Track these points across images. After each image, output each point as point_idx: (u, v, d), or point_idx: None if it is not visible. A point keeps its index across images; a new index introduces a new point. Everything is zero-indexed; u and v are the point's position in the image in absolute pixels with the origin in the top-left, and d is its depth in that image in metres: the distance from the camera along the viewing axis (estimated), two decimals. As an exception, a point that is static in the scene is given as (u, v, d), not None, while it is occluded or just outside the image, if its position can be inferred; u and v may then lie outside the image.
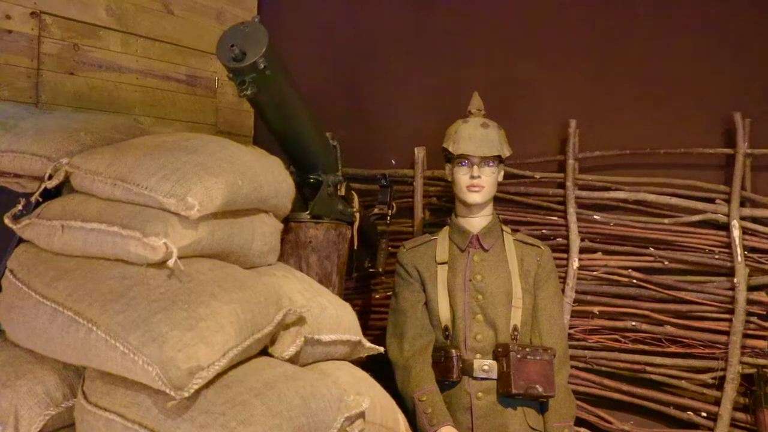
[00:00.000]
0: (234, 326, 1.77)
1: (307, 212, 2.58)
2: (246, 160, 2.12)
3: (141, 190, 1.87)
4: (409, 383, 2.61)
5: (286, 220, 2.45)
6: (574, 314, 3.15)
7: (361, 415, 2.00)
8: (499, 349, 2.60)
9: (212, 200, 1.88)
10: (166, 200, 1.84)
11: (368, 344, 2.34)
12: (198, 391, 1.67)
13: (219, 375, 1.73)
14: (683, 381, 3.03)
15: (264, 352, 1.97)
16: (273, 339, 1.99)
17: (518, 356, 2.55)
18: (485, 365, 2.62)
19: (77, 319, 1.72)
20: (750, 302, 2.94)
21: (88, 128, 2.20)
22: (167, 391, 1.60)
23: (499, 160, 2.74)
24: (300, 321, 2.04)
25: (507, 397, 2.58)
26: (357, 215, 2.77)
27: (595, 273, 3.15)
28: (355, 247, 2.77)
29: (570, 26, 3.30)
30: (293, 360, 2.02)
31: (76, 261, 1.89)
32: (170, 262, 1.77)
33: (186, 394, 1.61)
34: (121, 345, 1.66)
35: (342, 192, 2.69)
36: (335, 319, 2.21)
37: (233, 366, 1.79)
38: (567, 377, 2.74)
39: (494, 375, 2.60)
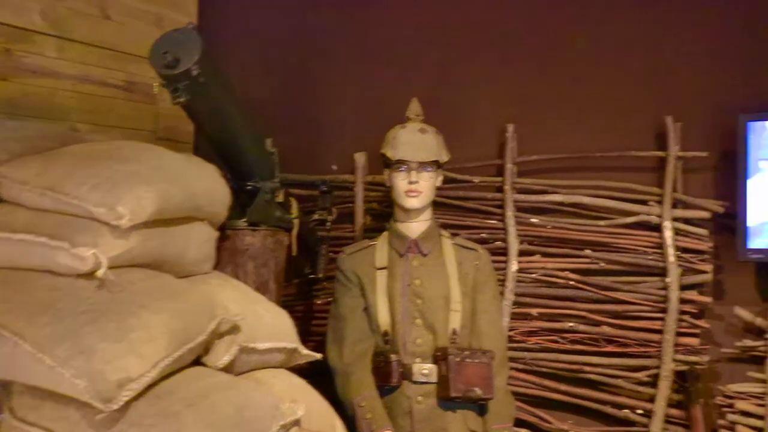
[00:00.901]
0: (165, 336, 1.76)
1: (244, 219, 2.56)
2: (179, 167, 2.11)
3: (70, 199, 1.85)
4: (349, 389, 2.61)
5: (222, 228, 2.44)
6: (514, 316, 3.18)
7: (297, 422, 2.00)
8: (438, 353, 2.62)
9: (143, 209, 1.87)
10: (95, 210, 1.82)
11: (305, 351, 2.34)
12: (128, 403, 1.65)
13: (150, 386, 1.71)
14: (620, 380, 3.08)
15: (198, 361, 1.96)
16: (207, 348, 1.98)
17: (457, 359, 2.57)
18: (425, 369, 2.64)
19: (3, 332, 1.69)
20: (682, 301, 3.01)
21: (16, 136, 2.17)
22: (95, 404, 1.58)
23: (437, 165, 2.76)
24: (234, 330, 2.04)
25: (446, 400, 2.60)
26: (295, 222, 2.76)
27: (533, 275, 3.18)
28: (293, 254, 2.76)
29: (507, 32, 3.34)
30: (228, 369, 2.01)
31: (4, 273, 1.86)
32: (100, 273, 1.75)
33: (115, 407, 1.60)
34: (48, 358, 1.63)
35: (280, 198, 2.67)
36: (271, 326, 2.20)
37: (165, 376, 1.78)
38: (506, 379, 2.78)
39: (434, 379, 2.62)
